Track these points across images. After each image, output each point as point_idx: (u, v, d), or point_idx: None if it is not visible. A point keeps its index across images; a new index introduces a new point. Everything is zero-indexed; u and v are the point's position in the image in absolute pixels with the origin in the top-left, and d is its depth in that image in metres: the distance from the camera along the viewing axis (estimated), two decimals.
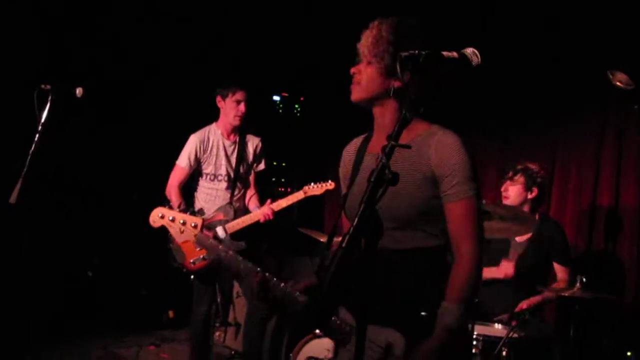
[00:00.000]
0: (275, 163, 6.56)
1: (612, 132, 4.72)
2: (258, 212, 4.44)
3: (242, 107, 4.52)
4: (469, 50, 1.83)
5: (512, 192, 4.11)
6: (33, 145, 3.57)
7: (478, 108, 5.30)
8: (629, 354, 3.98)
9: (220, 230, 4.27)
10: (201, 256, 3.95)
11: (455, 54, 1.82)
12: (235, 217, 4.41)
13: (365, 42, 2.15)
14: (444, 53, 1.81)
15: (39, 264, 5.30)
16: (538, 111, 5.16)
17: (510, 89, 5.15)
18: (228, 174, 4.55)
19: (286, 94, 6.60)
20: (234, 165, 4.57)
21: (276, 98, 6.55)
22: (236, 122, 4.54)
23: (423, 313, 2.09)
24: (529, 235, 4.11)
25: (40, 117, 3.63)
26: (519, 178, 4.12)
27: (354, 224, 1.57)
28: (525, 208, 4.13)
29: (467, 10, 5.08)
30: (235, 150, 4.61)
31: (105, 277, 6.05)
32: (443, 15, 4.96)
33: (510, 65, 4.93)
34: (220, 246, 2.53)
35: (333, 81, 6.34)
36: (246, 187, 4.70)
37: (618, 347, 4.11)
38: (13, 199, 3.42)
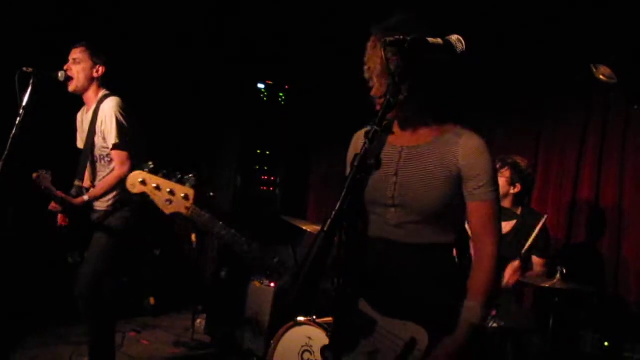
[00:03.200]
0: (259, 151, 6.55)
1: (595, 126, 4.75)
2: None
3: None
4: (454, 37, 1.83)
5: None
6: (14, 129, 3.55)
7: (460, 100, 5.30)
8: (606, 344, 4.03)
9: None
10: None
11: (440, 41, 1.82)
12: None
13: (370, 65, 2.14)
14: (429, 39, 1.81)
15: (20, 249, 5.26)
16: (521, 105, 5.18)
17: (493, 82, 5.16)
18: None
19: (270, 82, 6.57)
20: None
21: (261, 86, 6.53)
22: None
23: (443, 308, 2.12)
24: (511, 225, 4.12)
25: (22, 101, 3.60)
26: (505, 172, 4.09)
27: (336, 207, 1.57)
28: (507, 202, 4.13)
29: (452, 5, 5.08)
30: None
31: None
32: (428, 7, 4.95)
33: (493, 57, 4.94)
34: (219, 223, 2.27)
35: (319, 69, 6.40)
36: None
37: (596, 338, 4.15)
38: None
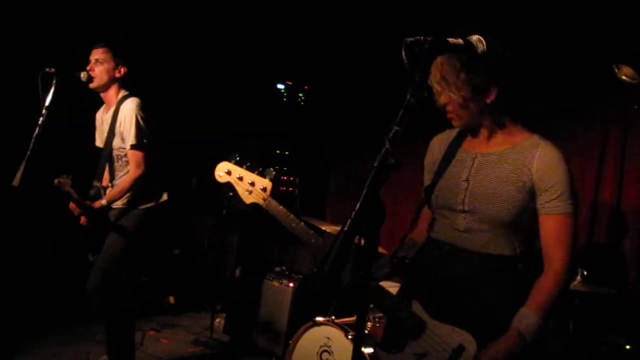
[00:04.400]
0: (278, 152, 6.56)
1: (617, 126, 4.70)
2: None
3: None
4: (475, 38, 1.83)
5: None
6: (37, 129, 3.59)
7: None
8: (628, 347, 3.99)
9: None
10: None
11: (461, 41, 1.82)
12: None
13: (438, 78, 2.14)
14: (450, 40, 1.81)
15: (41, 246, 5.32)
16: (542, 106, 5.13)
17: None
18: None
19: (290, 83, 6.58)
20: None
21: (280, 86, 6.54)
22: None
23: (498, 320, 2.08)
24: None
25: (45, 100, 3.64)
26: None
27: (357, 207, 1.57)
28: None
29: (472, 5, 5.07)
30: None
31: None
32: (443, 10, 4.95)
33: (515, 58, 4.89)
34: (291, 216, 2.40)
35: (337, 70, 6.40)
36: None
37: (617, 341, 4.11)
38: (16, 181, 3.44)
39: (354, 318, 3.82)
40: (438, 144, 2.43)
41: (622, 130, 4.67)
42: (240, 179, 2.50)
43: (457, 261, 2.19)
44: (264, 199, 2.44)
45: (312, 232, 2.35)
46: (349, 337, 3.65)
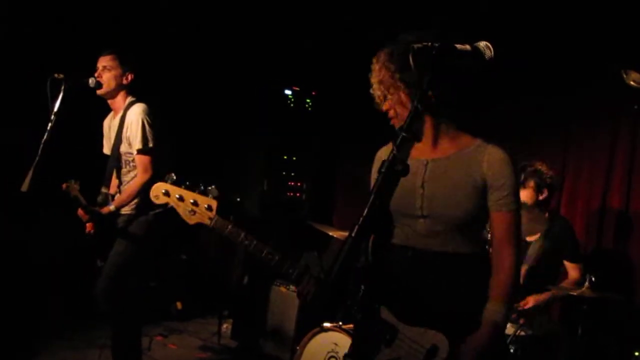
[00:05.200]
0: (286, 157, 6.57)
1: (625, 132, 4.69)
2: None
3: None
4: (482, 44, 1.82)
5: (524, 196, 4.04)
6: (45, 135, 3.60)
7: (489, 104, 5.26)
8: (636, 354, 3.97)
9: None
10: None
11: (468, 47, 1.82)
12: None
13: (376, 81, 2.24)
14: (457, 46, 1.81)
15: (48, 251, 5.34)
16: (550, 111, 5.13)
17: (523, 88, 5.11)
18: None
19: (297, 88, 6.59)
20: None
21: (288, 92, 6.55)
22: None
23: (467, 317, 2.15)
24: (539, 234, 4.10)
25: (53, 107, 3.66)
26: (530, 183, 4.08)
27: (364, 214, 1.57)
28: (536, 209, 4.11)
29: (476, 10, 5.06)
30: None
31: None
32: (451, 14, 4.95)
33: (524, 63, 4.90)
34: (242, 234, 2.34)
35: (345, 75, 6.39)
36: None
37: (625, 347, 4.09)
38: (25, 187, 3.45)
39: None
40: (384, 156, 2.45)
41: (631, 135, 4.66)
42: (181, 199, 2.40)
43: (420, 263, 2.23)
44: (210, 218, 2.37)
45: (267, 250, 2.30)
46: None
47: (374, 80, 2.24)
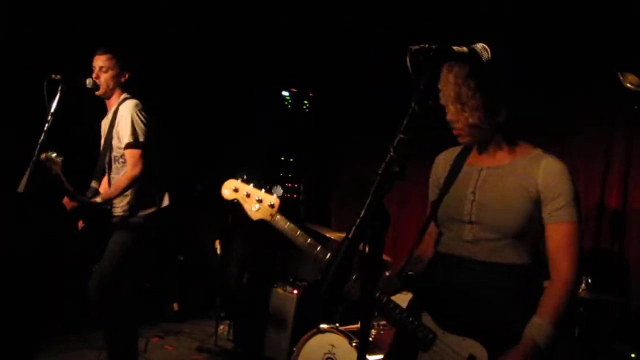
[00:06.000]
0: (283, 158, 6.57)
1: (622, 132, 4.69)
2: None
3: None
4: (479, 46, 1.82)
5: None
6: (42, 135, 3.59)
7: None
8: (633, 355, 3.97)
9: None
10: None
11: (465, 49, 1.81)
12: None
13: (453, 98, 2.18)
14: (454, 48, 1.81)
15: (44, 253, 5.32)
16: (546, 111, 5.12)
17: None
18: None
19: (295, 90, 6.59)
20: None
21: (285, 93, 6.55)
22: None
23: (509, 329, 2.11)
24: None
25: (50, 107, 3.65)
26: None
27: (361, 215, 1.57)
28: None
29: (475, 11, 5.07)
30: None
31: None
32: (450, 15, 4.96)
33: (519, 61, 4.89)
34: (299, 231, 2.46)
35: (342, 77, 6.40)
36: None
37: (623, 349, 4.09)
38: (21, 187, 3.44)
39: (358, 325, 3.82)
40: (443, 161, 2.48)
41: (627, 134, 4.66)
42: (248, 196, 2.54)
43: (464, 271, 2.22)
44: (272, 215, 2.49)
45: (319, 248, 2.40)
46: (353, 344, 3.65)
47: (448, 93, 2.18)
